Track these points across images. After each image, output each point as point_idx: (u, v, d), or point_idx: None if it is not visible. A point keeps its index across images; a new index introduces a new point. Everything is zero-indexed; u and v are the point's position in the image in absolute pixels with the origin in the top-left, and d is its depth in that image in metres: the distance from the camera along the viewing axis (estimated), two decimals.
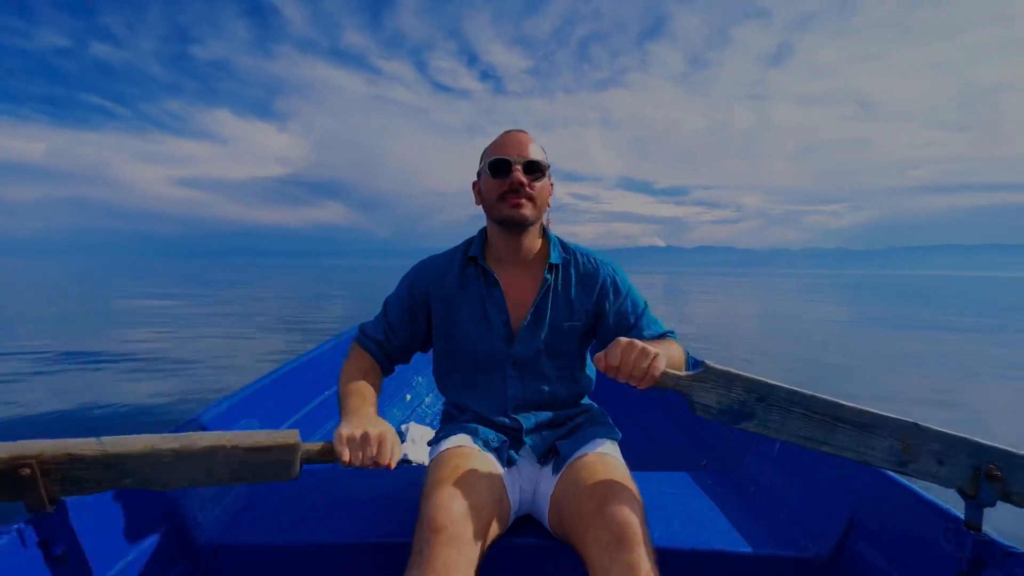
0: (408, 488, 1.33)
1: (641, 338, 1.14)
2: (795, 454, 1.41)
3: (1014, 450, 0.89)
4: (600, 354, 0.94)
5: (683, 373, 0.95)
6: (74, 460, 0.85)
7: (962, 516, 0.91)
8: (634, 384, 0.92)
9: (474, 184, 1.26)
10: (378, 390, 1.19)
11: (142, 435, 0.89)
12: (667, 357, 0.98)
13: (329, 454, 0.94)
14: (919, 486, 1.04)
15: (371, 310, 1.38)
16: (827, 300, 22.64)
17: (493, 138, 1.23)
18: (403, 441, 2.25)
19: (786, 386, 0.92)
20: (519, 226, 1.19)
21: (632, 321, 1.25)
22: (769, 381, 0.92)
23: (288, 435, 0.91)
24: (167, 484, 0.89)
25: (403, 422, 2.54)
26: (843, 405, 0.91)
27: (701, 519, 1.22)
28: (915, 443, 0.90)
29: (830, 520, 1.17)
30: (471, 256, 1.25)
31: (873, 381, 6.24)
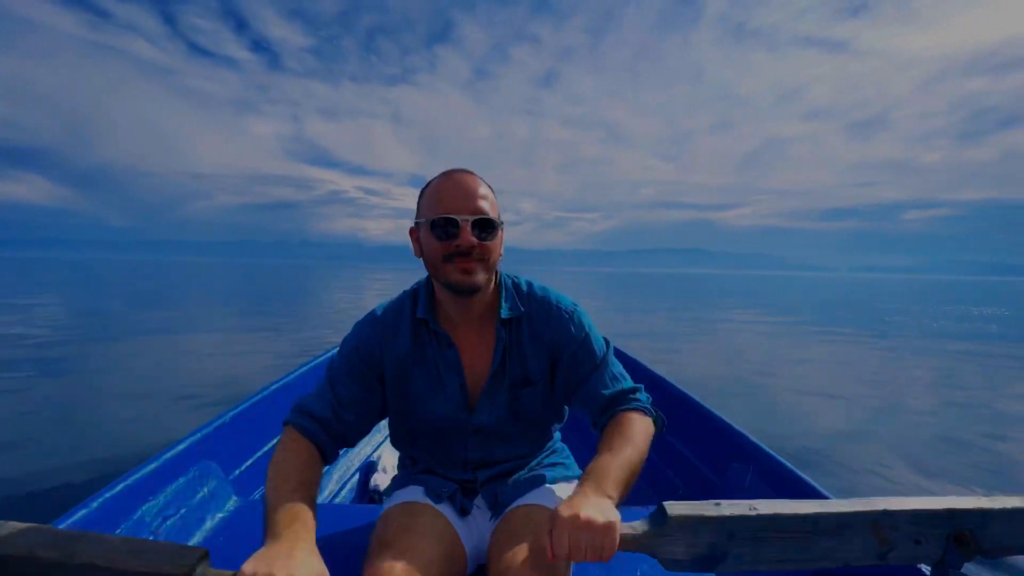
0: (369, 528, 1.17)
1: (597, 398, 1.07)
2: (765, 490, 1.40)
3: (987, 503, 0.81)
4: (543, 546, 0.80)
5: (642, 530, 0.81)
6: None
7: None
8: (597, 560, 0.80)
9: (412, 231, 1.09)
10: (316, 490, 0.93)
11: (22, 525, 0.70)
12: (623, 468, 0.89)
13: None
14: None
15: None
16: (596, 293, 27.01)
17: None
18: (375, 471, 2.15)
19: (755, 509, 0.80)
20: (470, 293, 1.06)
21: (586, 374, 1.11)
22: (735, 512, 0.79)
23: (189, 552, 0.70)
24: None
25: (376, 448, 2.40)
26: (812, 515, 0.80)
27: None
28: (888, 531, 0.80)
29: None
30: (420, 319, 1.12)
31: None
